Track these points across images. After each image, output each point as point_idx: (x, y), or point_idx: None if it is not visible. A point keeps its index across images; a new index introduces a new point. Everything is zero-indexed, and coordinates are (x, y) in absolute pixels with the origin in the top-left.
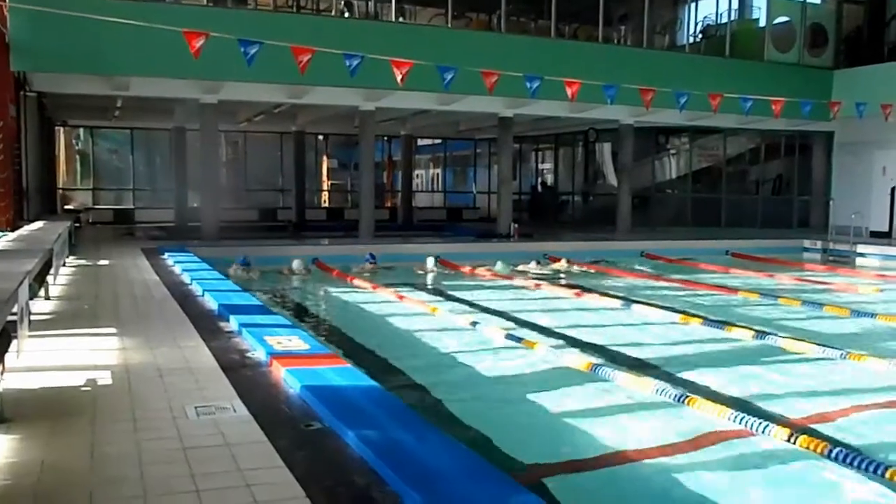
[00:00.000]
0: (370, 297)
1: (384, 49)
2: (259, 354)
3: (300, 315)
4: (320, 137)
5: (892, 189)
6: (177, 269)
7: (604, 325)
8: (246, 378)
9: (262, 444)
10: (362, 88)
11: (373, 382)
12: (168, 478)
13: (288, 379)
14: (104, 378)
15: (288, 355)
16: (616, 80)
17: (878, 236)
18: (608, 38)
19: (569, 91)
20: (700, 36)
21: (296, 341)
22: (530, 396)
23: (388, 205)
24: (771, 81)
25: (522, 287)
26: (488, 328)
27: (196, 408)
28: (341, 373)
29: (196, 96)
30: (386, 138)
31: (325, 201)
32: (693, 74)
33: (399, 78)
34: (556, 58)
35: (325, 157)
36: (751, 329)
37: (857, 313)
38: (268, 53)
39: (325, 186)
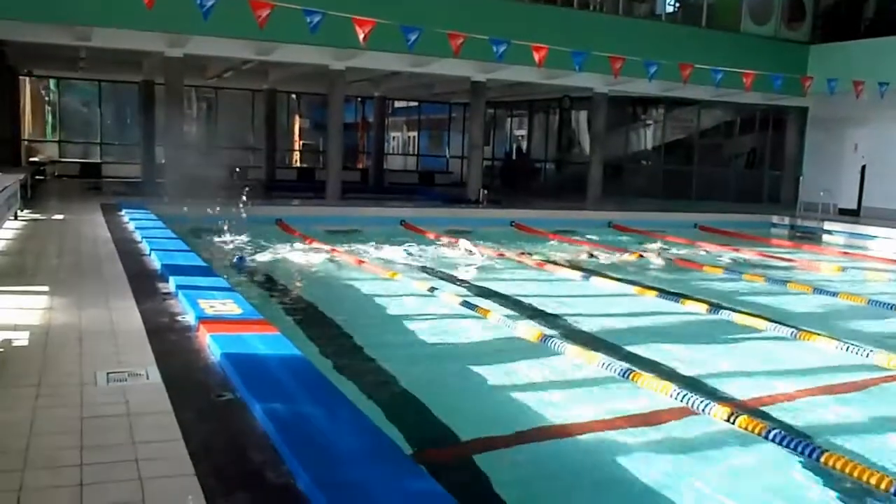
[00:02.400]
0: (329, 259)
1: (347, 6)
2: (189, 318)
3: (252, 276)
4: (293, 96)
5: (863, 167)
6: (130, 226)
7: (561, 296)
8: (169, 343)
9: (165, 414)
10: (331, 47)
11: (297, 352)
12: (55, 450)
13: (211, 345)
14: (20, 339)
15: (217, 320)
16: (587, 47)
17: (847, 214)
18: (585, 4)
19: (536, 56)
20: (677, 5)
21: (230, 305)
22: (477, 367)
23: (361, 167)
24: (746, 54)
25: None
26: (445, 295)
27: (108, 374)
28: (267, 341)
29: (161, 49)
30: (360, 99)
31: (296, 161)
32: (667, 44)
33: (361, 37)
34: (527, 22)
35: (297, 117)
36: (706, 303)
37: (819, 291)
38: (231, 8)
39: (296, 146)
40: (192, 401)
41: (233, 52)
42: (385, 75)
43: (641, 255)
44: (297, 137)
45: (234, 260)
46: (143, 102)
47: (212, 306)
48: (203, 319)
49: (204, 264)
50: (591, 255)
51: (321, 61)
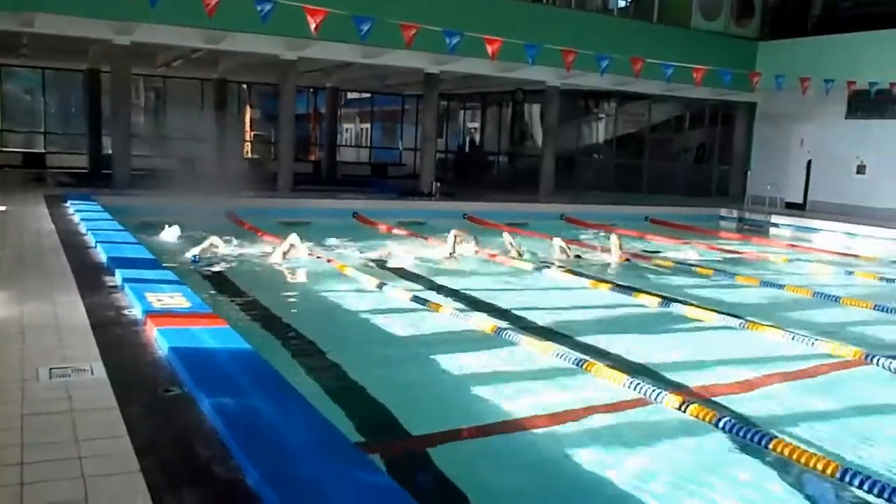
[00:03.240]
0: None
1: None
2: (136, 312)
3: (204, 270)
4: (244, 86)
5: (809, 162)
6: (76, 218)
7: (515, 290)
8: (115, 337)
9: (110, 410)
10: (282, 37)
11: (246, 345)
12: None
13: (159, 339)
14: None
15: (165, 314)
16: (540, 40)
17: (793, 207)
18: None
19: (489, 49)
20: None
21: (178, 299)
22: (430, 360)
23: (313, 158)
24: (696, 49)
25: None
26: (395, 290)
27: (51, 370)
28: (216, 334)
29: (107, 37)
30: (312, 90)
31: (247, 152)
32: (619, 38)
33: (313, 27)
34: (480, 14)
35: (248, 107)
36: (657, 296)
37: (766, 283)
38: None
39: (247, 137)
40: (138, 396)
41: (181, 41)
42: (337, 66)
43: (628, 259)
44: (247, 128)
45: (189, 258)
46: (88, 91)
47: (159, 300)
48: (150, 313)
49: (151, 257)
50: (578, 256)
51: (272, 51)
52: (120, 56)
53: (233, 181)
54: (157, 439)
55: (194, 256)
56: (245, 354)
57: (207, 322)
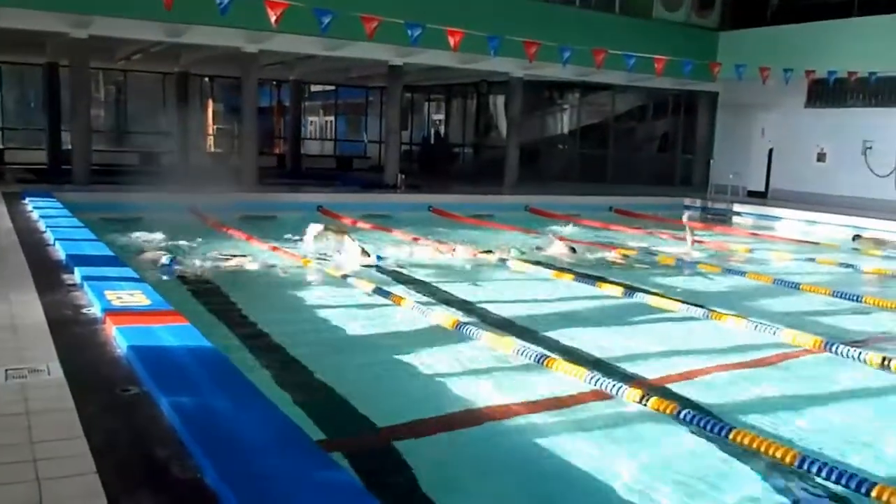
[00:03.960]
0: (244, 248)
1: None
2: (95, 310)
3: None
4: (206, 80)
5: (770, 151)
6: (34, 215)
7: (477, 282)
8: (73, 337)
9: (67, 412)
10: (243, 30)
11: (206, 343)
12: None
13: (118, 338)
14: None
15: (124, 312)
16: (502, 31)
17: (755, 196)
18: None
19: (451, 41)
20: None
21: (138, 296)
22: (392, 354)
23: (277, 152)
24: (658, 40)
25: (401, 241)
26: (359, 282)
27: (6, 371)
28: (176, 332)
29: (65, 31)
30: (275, 83)
31: (210, 146)
32: (581, 29)
33: (273, 19)
34: (442, 6)
35: (210, 101)
36: (621, 286)
37: (728, 271)
38: None
39: (210, 131)
40: (95, 396)
41: (141, 34)
42: (300, 59)
43: (626, 256)
44: (210, 122)
45: (163, 262)
46: (47, 86)
47: (119, 297)
48: (109, 311)
49: (111, 254)
50: (573, 250)
51: (233, 44)
52: (78, 50)
53: (195, 176)
54: (115, 440)
55: (169, 259)
56: (205, 352)
57: (168, 320)
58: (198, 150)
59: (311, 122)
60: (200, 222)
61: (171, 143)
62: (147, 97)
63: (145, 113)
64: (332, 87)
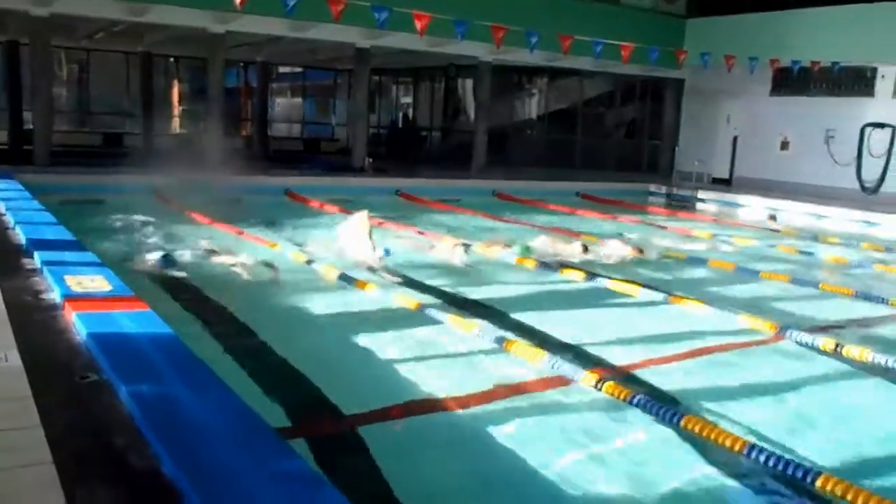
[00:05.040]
0: (209, 231)
1: None
2: (54, 296)
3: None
4: (171, 60)
5: (735, 138)
6: None
7: (441, 266)
8: (32, 323)
9: (23, 400)
10: (208, 10)
11: (168, 330)
12: None
13: (77, 324)
14: None
15: (84, 298)
16: (469, 16)
17: (720, 183)
18: None
19: (418, 24)
20: None
21: (99, 282)
22: (355, 339)
23: (244, 134)
24: (625, 26)
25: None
26: (323, 267)
27: None
28: (138, 318)
29: (24, 8)
30: (242, 64)
31: (176, 128)
32: (548, 15)
33: (238, 0)
34: None
35: (175, 82)
36: (583, 271)
37: (691, 257)
38: None
39: (175, 112)
40: (53, 384)
41: (103, 12)
42: (267, 40)
43: (641, 252)
44: (176, 103)
45: (158, 259)
46: (7, 64)
47: (79, 283)
48: (69, 297)
49: (73, 238)
50: (585, 249)
51: (199, 24)
52: (39, 28)
53: (160, 157)
54: (72, 429)
55: (163, 256)
56: (166, 339)
57: (129, 306)
58: (162, 131)
59: (279, 103)
60: (164, 205)
61: (135, 125)
62: (111, 77)
63: (109, 93)
64: (300, 69)
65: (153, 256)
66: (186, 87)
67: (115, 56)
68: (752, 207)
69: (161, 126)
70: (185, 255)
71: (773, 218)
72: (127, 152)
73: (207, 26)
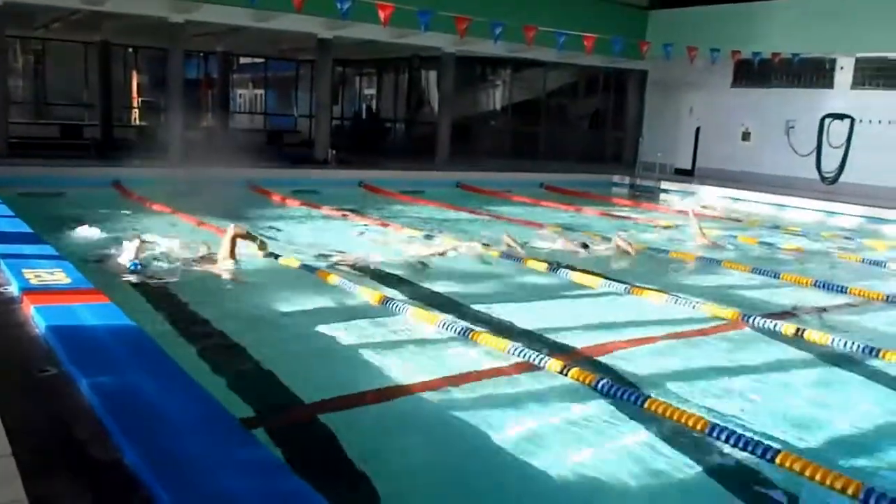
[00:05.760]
0: (170, 219)
1: None
2: (12, 289)
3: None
4: (130, 50)
5: (697, 129)
6: None
7: (404, 257)
8: None
9: None
10: None
11: (129, 322)
12: None
13: (35, 317)
14: None
15: (43, 291)
16: (433, 6)
17: (682, 174)
18: None
19: (382, 15)
20: None
21: (58, 275)
22: (319, 329)
23: (205, 125)
24: (588, 18)
25: (329, 217)
26: (285, 259)
27: None
28: (98, 311)
29: None
30: (202, 55)
31: (135, 119)
32: (512, 6)
33: None
34: None
35: (134, 72)
36: (545, 262)
37: (653, 248)
38: None
39: (135, 103)
40: (11, 377)
41: (60, 1)
42: (228, 30)
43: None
44: (135, 94)
45: (129, 265)
46: None
47: (37, 276)
48: (27, 290)
49: (30, 231)
50: (585, 246)
51: (158, 13)
52: None
53: (119, 149)
54: (31, 422)
55: (133, 263)
56: (127, 331)
57: (88, 298)
58: (121, 122)
59: (241, 95)
60: (124, 197)
61: (94, 116)
62: (68, 68)
63: (67, 84)
64: (262, 60)
65: (120, 254)
66: (146, 77)
67: (72, 46)
68: (715, 197)
69: (120, 117)
70: (141, 248)
71: (703, 206)
72: (86, 144)
73: (167, 15)
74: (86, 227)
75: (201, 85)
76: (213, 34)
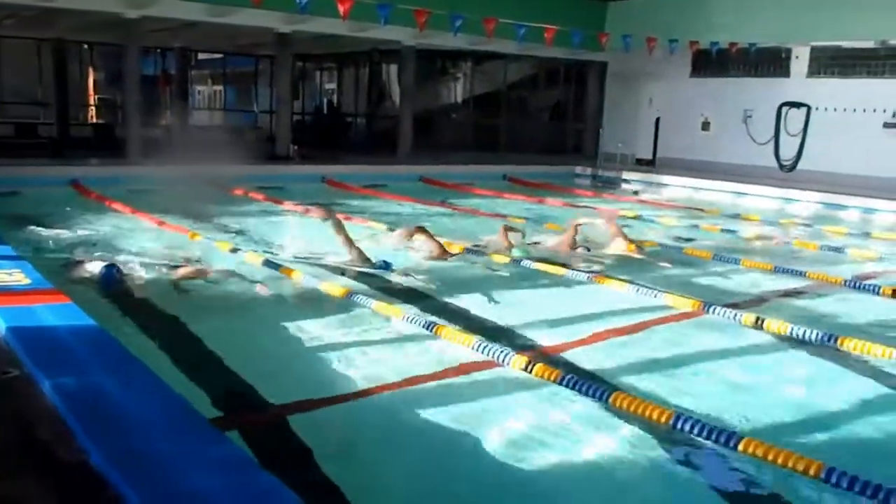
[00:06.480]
0: (127, 221)
1: None
2: None
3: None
4: (85, 47)
5: (657, 120)
6: None
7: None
8: None
9: None
10: None
11: (91, 322)
12: None
13: None
14: None
15: (2, 292)
16: None
17: (643, 164)
18: None
19: (341, 8)
20: None
21: (17, 275)
22: (283, 326)
23: (164, 122)
24: (548, 10)
25: (291, 212)
26: (248, 255)
27: None
28: (59, 311)
29: None
30: (159, 51)
31: (91, 117)
32: None
33: None
34: None
35: (90, 69)
36: (508, 256)
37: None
38: None
39: (91, 101)
40: None
41: None
42: (185, 25)
43: (640, 247)
44: (91, 91)
45: (102, 271)
46: None
47: None
48: None
49: None
50: (587, 249)
51: (113, 9)
52: None
53: (76, 147)
54: None
55: (107, 266)
56: (89, 331)
57: (49, 299)
58: (78, 120)
59: (199, 91)
60: (83, 196)
61: (49, 114)
62: (22, 65)
63: (20, 82)
64: (220, 56)
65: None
66: (102, 74)
67: (26, 43)
68: (676, 186)
69: (77, 115)
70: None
71: (635, 193)
72: (42, 143)
73: (122, 11)
74: (45, 227)
75: (159, 81)
76: (170, 30)
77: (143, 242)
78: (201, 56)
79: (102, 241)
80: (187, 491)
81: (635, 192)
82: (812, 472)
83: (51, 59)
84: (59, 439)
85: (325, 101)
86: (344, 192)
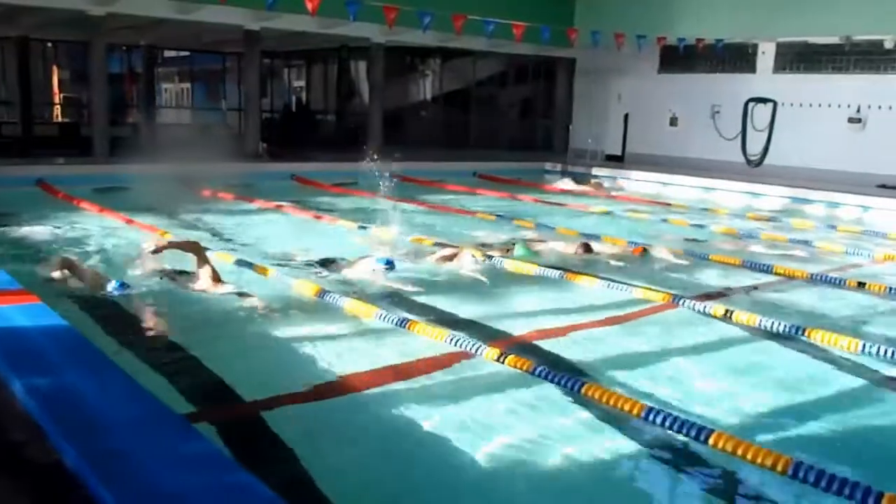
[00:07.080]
0: (98, 220)
1: None
2: None
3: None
4: (49, 45)
5: (626, 115)
6: None
7: (341, 250)
8: None
9: None
10: None
11: (62, 322)
12: None
13: None
14: None
15: None
16: None
17: (613, 159)
18: None
19: (309, 5)
20: None
21: None
22: (256, 325)
23: (131, 121)
24: (516, 6)
25: (265, 209)
26: (219, 254)
27: None
28: (28, 311)
29: None
30: (125, 48)
31: (56, 116)
32: None
33: None
34: None
35: (55, 67)
36: (479, 251)
37: (585, 234)
38: None
39: (56, 99)
40: None
41: None
42: (151, 22)
43: (645, 250)
44: (56, 90)
45: (114, 285)
46: None
47: None
48: None
49: None
50: (589, 250)
51: (77, 6)
52: None
53: (42, 147)
54: None
55: (119, 283)
56: (60, 331)
57: (18, 299)
58: (42, 119)
59: (166, 89)
60: (50, 196)
61: (13, 113)
62: None
63: None
64: (187, 53)
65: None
66: (67, 72)
67: None
68: (645, 182)
69: (42, 114)
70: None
71: (598, 185)
72: (6, 142)
73: (86, 8)
74: (11, 226)
75: (125, 79)
76: (136, 27)
77: (112, 240)
78: (168, 54)
79: (70, 239)
80: (163, 489)
81: (598, 185)
82: (780, 468)
83: (14, 57)
84: (31, 440)
85: (294, 98)
86: (313, 190)
